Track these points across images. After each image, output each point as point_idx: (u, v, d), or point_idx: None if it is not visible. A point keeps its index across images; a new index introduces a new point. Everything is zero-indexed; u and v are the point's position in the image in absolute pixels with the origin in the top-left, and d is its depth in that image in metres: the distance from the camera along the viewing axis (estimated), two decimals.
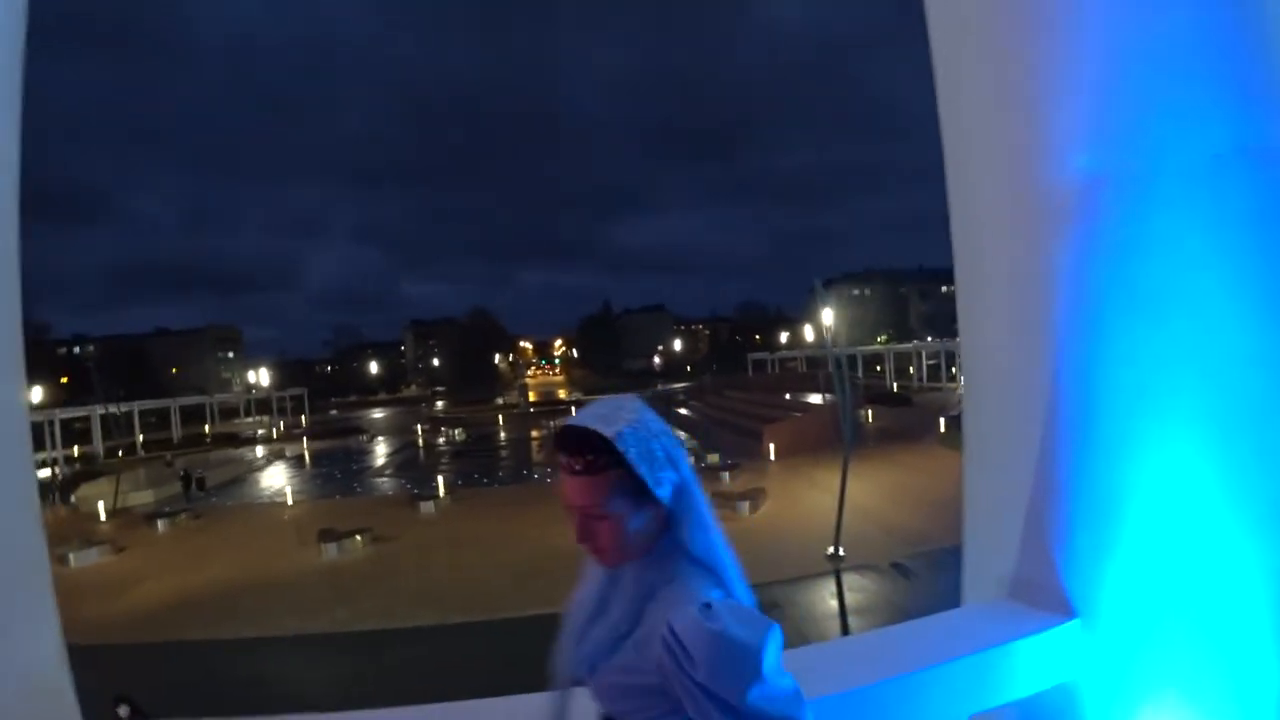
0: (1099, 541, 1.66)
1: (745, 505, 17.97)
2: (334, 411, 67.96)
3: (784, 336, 66.00)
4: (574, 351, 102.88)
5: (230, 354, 72.11)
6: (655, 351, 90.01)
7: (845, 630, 9.64)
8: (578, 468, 1.01)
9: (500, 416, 50.62)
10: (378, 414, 64.00)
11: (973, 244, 2.14)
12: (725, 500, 18.44)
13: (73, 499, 25.10)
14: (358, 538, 17.10)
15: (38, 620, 2.18)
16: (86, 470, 32.57)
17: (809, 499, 17.86)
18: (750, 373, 61.19)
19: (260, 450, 40.94)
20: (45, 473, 33.05)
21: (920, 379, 48.98)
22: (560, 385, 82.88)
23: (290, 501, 23.67)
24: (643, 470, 0.99)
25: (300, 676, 10.29)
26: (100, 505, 22.59)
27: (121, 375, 53.12)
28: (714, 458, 25.91)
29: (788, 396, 34.28)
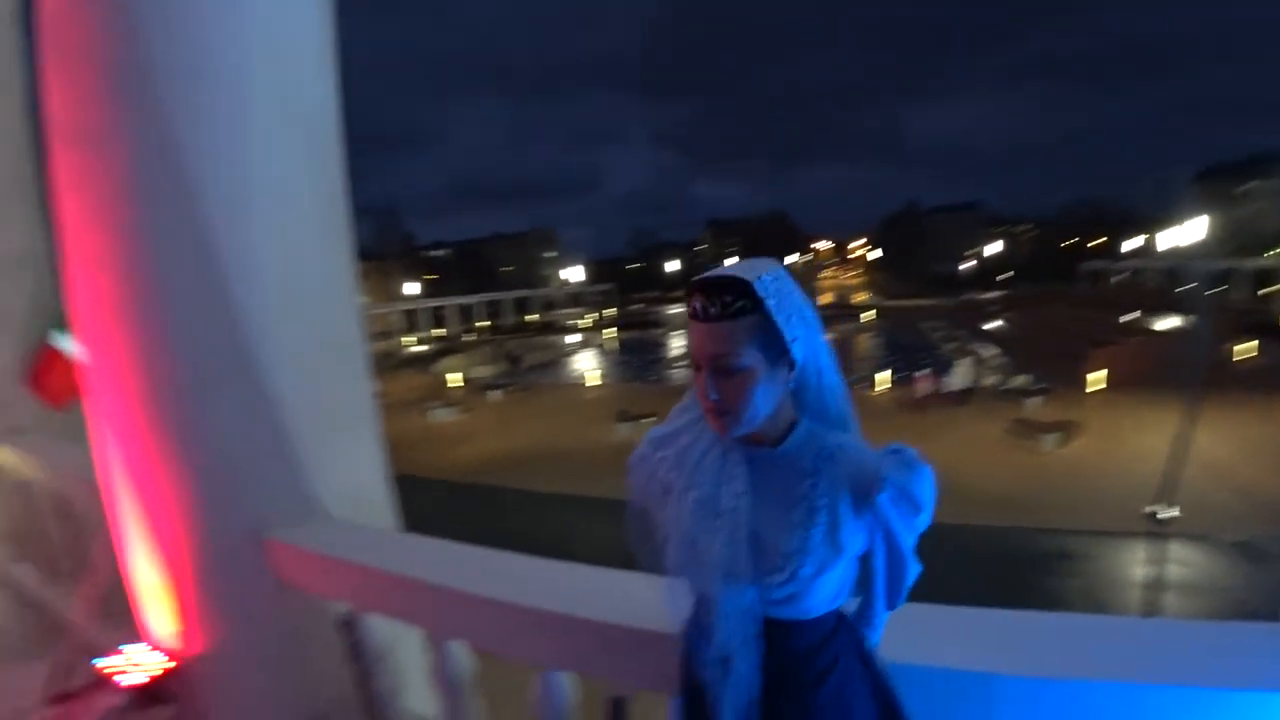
0: None
1: (1051, 438, 15.93)
2: (637, 306, 73.76)
3: (1130, 243, 54.39)
4: (875, 253, 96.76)
5: (550, 254, 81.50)
6: (966, 255, 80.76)
7: (1153, 609, 8.13)
8: (713, 310, 0.95)
9: None
10: (676, 309, 67.99)
11: None
12: (1027, 429, 16.50)
13: (433, 369, 31.32)
14: (648, 420, 18.87)
15: (367, 455, 2.79)
16: (444, 348, 40.35)
17: (1134, 442, 15.11)
18: (1082, 284, 52.10)
19: (573, 338, 46.50)
20: (419, 348, 41.57)
21: None
22: (858, 288, 79.34)
23: (595, 384, 26.72)
24: (780, 319, 0.95)
25: (576, 532, 11.90)
26: (452, 376, 27.95)
27: (468, 273, 63.68)
28: (1022, 380, 23.11)
29: (1127, 317, 28.71)
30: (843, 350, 32.87)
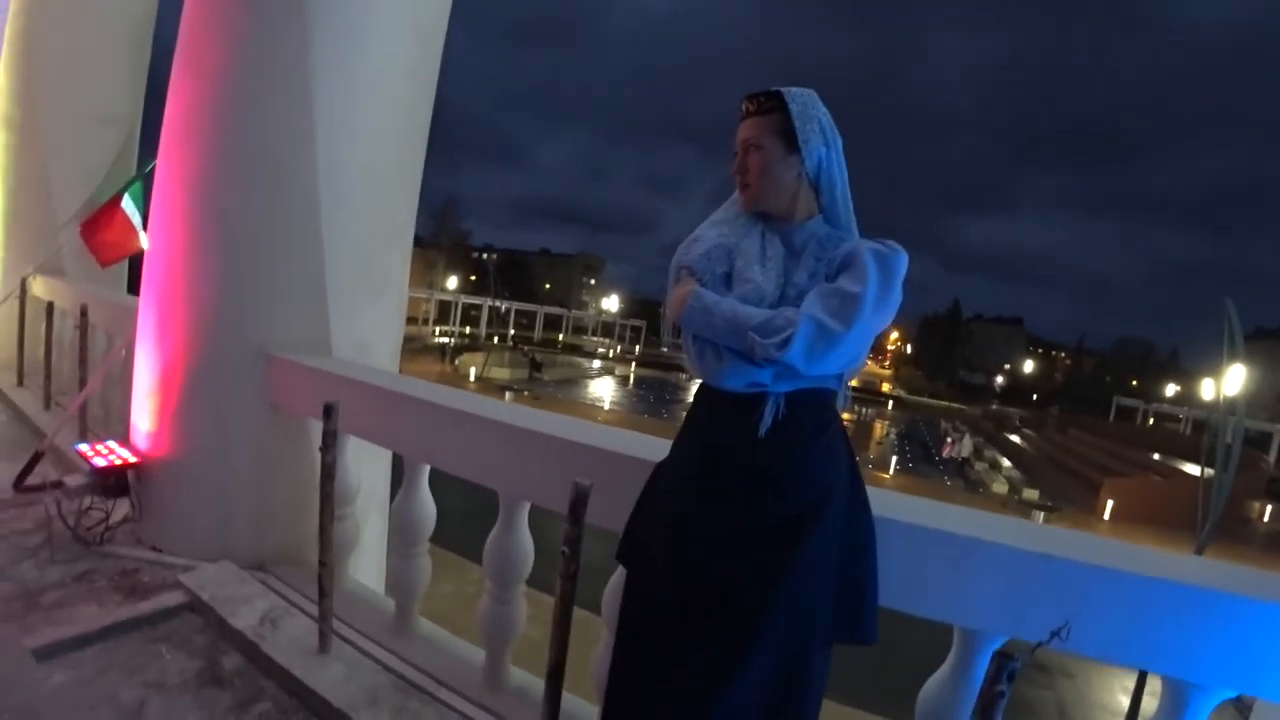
0: None
1: None
2: (664, 349, 73.88)
3: (1171, 388, 53.54)
4: (908, 347, 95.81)
5: (592, 281, 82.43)
6: (1000, 369, 79.79)
7: None
8: (751, 108, 1.23)
9: None
10: None
11: None
12: None
13: (455, 362, 31.63)
14: None
15: (387, 327, 2.94)
16: (470, 344, 40.71)
17: None
18: (1112, 419, 51.13)
19: (595, 363, 46.75)
20: (445, 339, 42.07)
21: None
22: (885, 379, 78.30)
23: (605, 408, 26.77)
24: (798, 124, 1.20)
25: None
26: (472, 370, 28.18)
27: (509, 280, 64.59)
28: (1031, 494, 22.62)
29: (1154, 456, 28.05)
30: (862, 432, 32.91)
